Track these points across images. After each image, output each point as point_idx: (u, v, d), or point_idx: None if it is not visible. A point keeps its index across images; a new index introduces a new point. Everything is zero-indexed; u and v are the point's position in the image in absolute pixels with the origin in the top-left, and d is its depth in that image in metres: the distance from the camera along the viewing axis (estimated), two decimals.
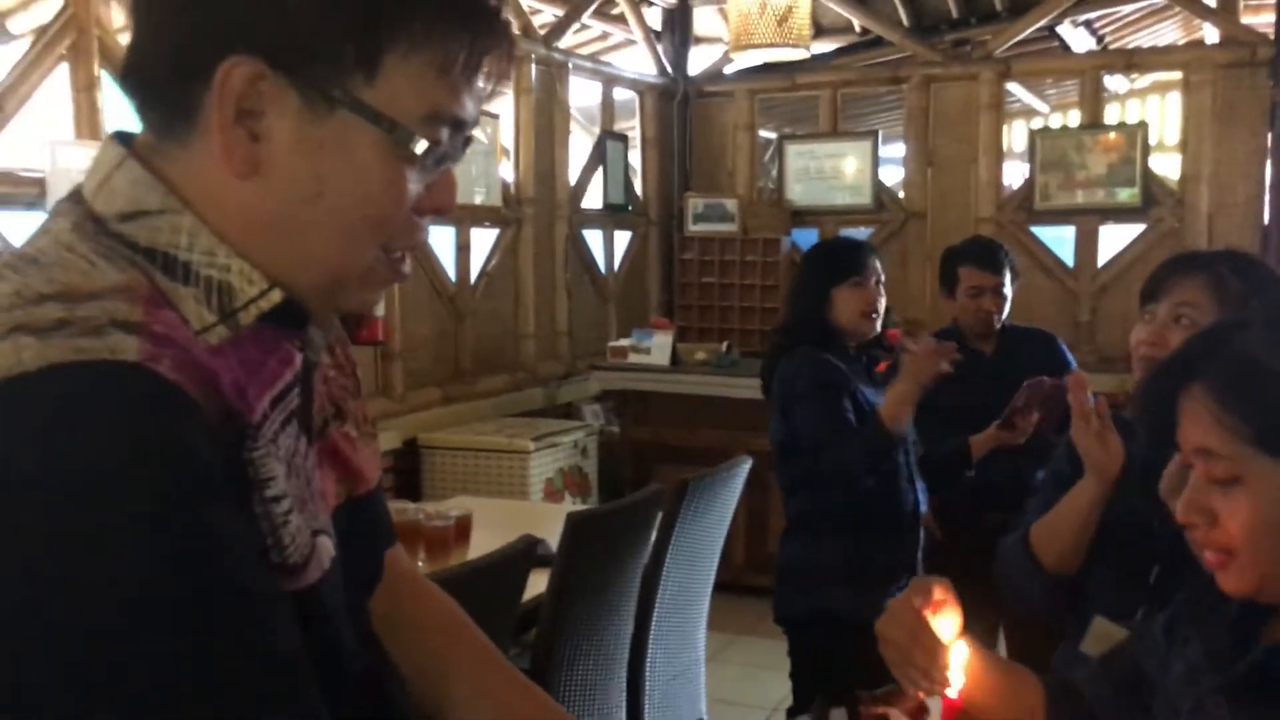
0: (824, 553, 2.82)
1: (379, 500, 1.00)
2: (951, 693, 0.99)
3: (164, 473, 0.69)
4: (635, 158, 6.51)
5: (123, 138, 0.83)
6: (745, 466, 3.16)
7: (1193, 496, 1.01)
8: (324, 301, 0.86)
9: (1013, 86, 6.71)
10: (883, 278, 2.92)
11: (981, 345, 3.33)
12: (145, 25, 0.82)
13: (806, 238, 6.28)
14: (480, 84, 0.85)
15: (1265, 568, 0.98)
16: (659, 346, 5.33)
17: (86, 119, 3.37)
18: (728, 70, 6.51)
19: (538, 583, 2.57)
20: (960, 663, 1.01)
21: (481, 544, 2.80)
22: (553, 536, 2.65)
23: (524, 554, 2.23)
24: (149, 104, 0.83)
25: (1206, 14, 5.80)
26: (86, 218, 0.80)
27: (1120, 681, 1.15)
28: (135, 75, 0.83)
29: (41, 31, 3.37)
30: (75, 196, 0.83)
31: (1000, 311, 3.33)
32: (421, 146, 0.81)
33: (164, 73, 0.80)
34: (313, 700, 0.76)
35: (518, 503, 4.15)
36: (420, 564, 2.69)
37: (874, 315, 2.86)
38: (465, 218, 5.01)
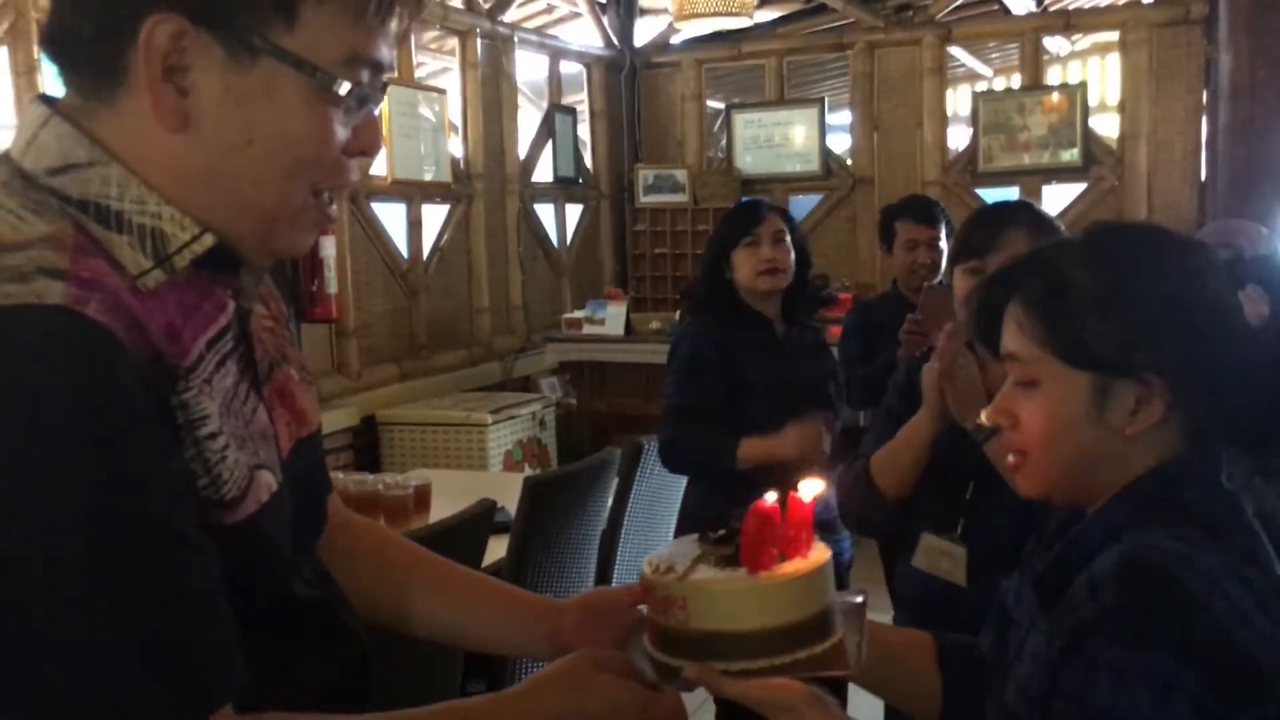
0: (711, 502, 2.73)
1: (320, 445, 1.04)
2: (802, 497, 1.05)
3: (88, 409, 0.72)
4: (584, 131, 6.52)
5: (47, 100, 0.86)
6: None
7: (1001, 400, 1.10)
8: (257, 245, 0.88)
9: (955, 51, 6.78)
10: (787, 233, 2.79)
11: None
12: None
13: None
14: (393, 26, 0.88)
15: (1054, 468, 1.06)
16: (613, 317, 5.37)
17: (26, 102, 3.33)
18: (674, 41, 6.53)
19: (498, 548, 2.61)
20: (812, 490, 1.06)
21: (442, 513, 2.82)
22: (512, 504, 2.67)
23: (482, 516, 2.27)
24: (74, 66, 0.85)
25: None
26: (15, 175, 0.82)
27: (998, 628, 1.21)
28: (59, 39, 0.85)
29: None
30: (4, 157, 0.85)
31: (936, 265, 3.40)
32: (344, 88, 0.84)
33: (89, 34, 0.82)
34: (220, 635, 0.79)
35: (477, 473, 4.18)
36: None
37: (773, 271, 2.74)
38: (416, 194, 5.01)
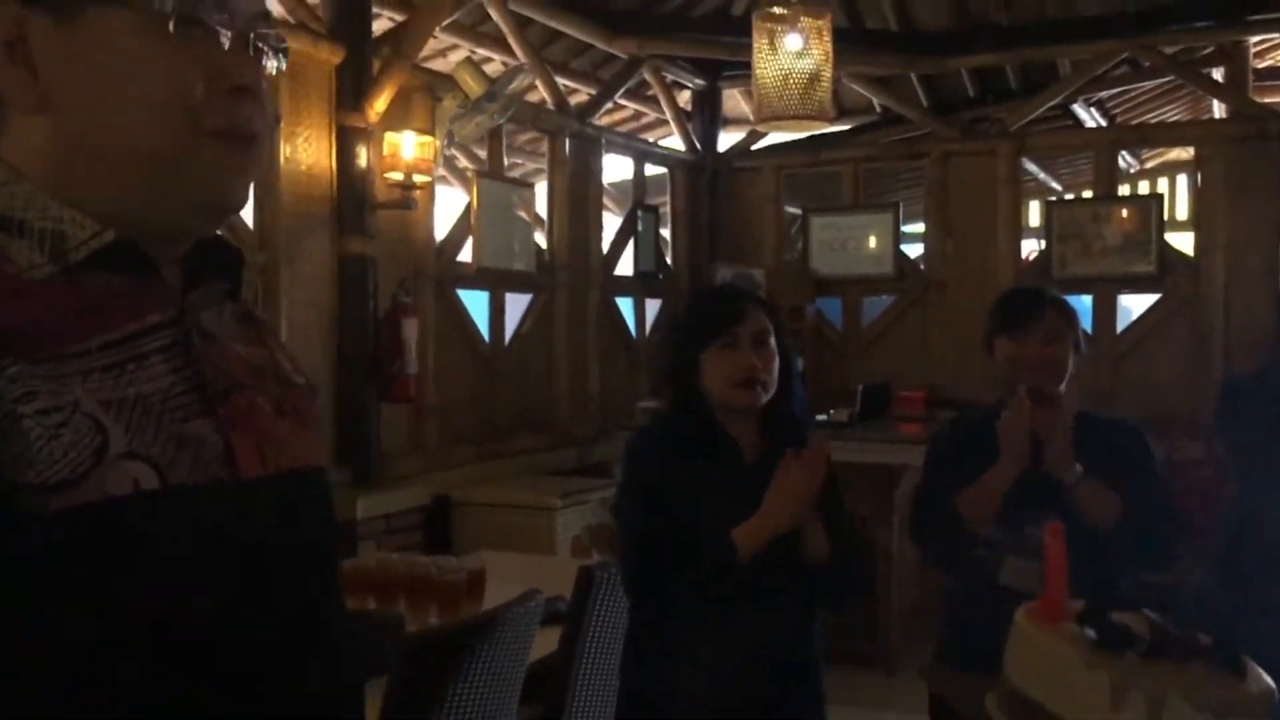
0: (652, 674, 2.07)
1: (324, 488, 0.93)
2: None
3: None
4: (666, 230, 6.34)
5: None
6: None
7: None
8: (166, 207, 0.81)
9: (1028, 165, 6.50)
10: (771, 333, 2.05)
11: None
12: None
13: (830, 305, 6.08)
14: None
15: None
16: None
17: None
18: (754, 147, 6.36)
19: (552, 639, 2.32)
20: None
21: (498, 599, 2.55)
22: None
23: (530, 610, 1.98)
24: None
25: (1217, 91, 5.57)
26: None
27: None
28: None
29: None
30: None
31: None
32: (167, 4, 0.77)
33: None
34: None
35: (540, 557, 3.88)
36: (431, 619, 2.44)
37: (752, 384, 2.01)
38: (500, 283, 4.83)
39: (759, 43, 4.24)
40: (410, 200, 3.96)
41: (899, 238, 5.99)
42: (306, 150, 3.79)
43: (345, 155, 3.86)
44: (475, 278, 4.67)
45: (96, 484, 0.71)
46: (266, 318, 1.02)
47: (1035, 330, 2.27)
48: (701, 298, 2.33)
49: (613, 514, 2.20)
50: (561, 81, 5.36)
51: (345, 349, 3.94)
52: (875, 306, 6.10)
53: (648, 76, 5.82)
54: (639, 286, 5.90)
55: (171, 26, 0.77)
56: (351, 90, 3.86)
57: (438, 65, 5.01)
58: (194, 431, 0.78)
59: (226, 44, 0.80)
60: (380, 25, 4.18)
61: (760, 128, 4.82)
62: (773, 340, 2.06)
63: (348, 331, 3.94)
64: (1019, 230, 5.76)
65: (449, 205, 4.91)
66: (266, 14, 0.85)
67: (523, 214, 4.92)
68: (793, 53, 4.21)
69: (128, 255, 0.79)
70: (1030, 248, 6.28)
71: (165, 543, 0.73)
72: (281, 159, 3.69)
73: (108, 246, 0.78)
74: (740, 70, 5.85)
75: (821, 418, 4.86)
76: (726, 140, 6.54)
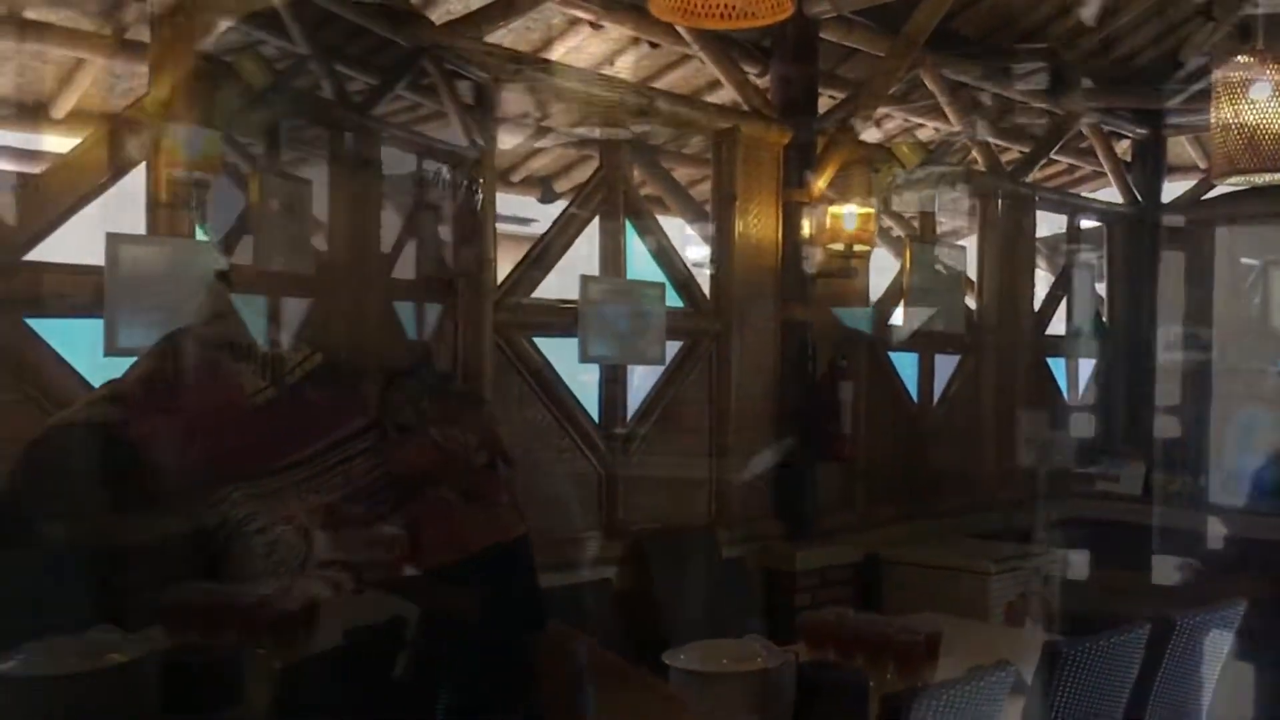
0: None
1: (513, 558, 0.97)
2: None
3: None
4: (1102, 286, 6.06)
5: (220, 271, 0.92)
6: (1238, 610, 2.73)
7: None
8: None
9: None
10: None
11: None
12: None
13: None
14: None
15: None
16: (1129, 476, 4.84)
17: (611, 258, 3.69)
18: (1204, 197, 5.92)
19: (1009, 713, 2.36)
20: None
21: (947, 664, 2.62)
22: (1018, 662, 2.42)
23: (1003, 680, 2.05)
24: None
25: None
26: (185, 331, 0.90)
27: None
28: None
29: (580, 189, 3.76)
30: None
31: None
32: None
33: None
34: None
35: (979, 624, 3.87)
36: (889, 677, 2.56)
37: None
38: (930, 344, 4.89)
39: (1219, 93, 4.00)
40: (850, 269, 4.17)
41: None
42: (756, 225, 4.12)
43: (790, 228, 4.14)
44: (906, 340, 4.77)
45: (301, 591, 0.76)
46: (484, 397, 1.11)
47: None
48: None
49: None
50: (992, 141, 5.35)
51: (785, 410, 4.19)
52: None
53: (1084, 129, 5.64)
54: (1072, 346, 5.69)
55: None
56: (797, 167, 4.14)
57: (869, 134, 5.20)
58: (387, 531, 0.83)
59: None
60: (821, 103, 4.44)
61: (1219, 183, 4.51)
62: None
63: (788, 393, 4.19)
64: None
65: (878, 267, 5.06)
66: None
67: (953, 275, 4.95)
68: (1260, 103, 3.93)
69: (333, 373, 0.92)
70: None
71: (367, 642, 0.79)
72: (735, 233, 4.03)
73: (317, 368, 0.91)
74: (1188, 116, 5.52)
75: None
76: (1170, 190, 6.15)
